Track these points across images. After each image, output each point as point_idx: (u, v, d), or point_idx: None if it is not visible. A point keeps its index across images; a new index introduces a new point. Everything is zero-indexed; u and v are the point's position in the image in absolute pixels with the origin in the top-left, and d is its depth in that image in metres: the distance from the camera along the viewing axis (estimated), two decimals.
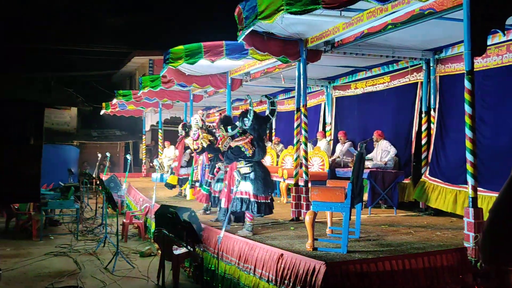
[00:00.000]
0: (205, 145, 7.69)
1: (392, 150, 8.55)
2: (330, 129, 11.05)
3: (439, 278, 4.30)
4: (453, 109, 7.51)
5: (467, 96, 4.86)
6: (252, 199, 5.79)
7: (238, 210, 5.88)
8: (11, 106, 3.73)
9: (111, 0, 30.23)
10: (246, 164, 5.92)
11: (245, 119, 5.92)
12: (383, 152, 8.64)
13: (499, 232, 1.05)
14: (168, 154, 14.60)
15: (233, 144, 5.99)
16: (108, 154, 13.76)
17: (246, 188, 5.85)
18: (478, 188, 5.01)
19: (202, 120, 7.99)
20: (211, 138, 8.06)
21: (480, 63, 7.01)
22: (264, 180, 5.87)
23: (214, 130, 8.11)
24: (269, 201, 5.94)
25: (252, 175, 5.85)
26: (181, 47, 8.53)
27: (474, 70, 4.88)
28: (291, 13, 5.29)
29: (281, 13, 5.33)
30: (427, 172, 7.86)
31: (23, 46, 26.33)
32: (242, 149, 5.86)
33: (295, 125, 7.32)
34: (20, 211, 9.45)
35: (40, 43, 27.13)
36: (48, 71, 25.37)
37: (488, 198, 6.19)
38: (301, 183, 7.18)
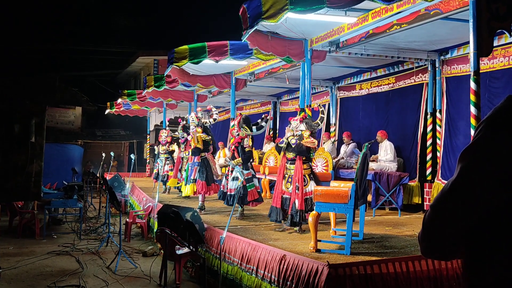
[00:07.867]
0: (200, 146, 7.85)
1: (390, 154, 8.43)
2: (335, 130, 11.00)
3: (443, 282, 4.25)
4: (462, 110, 7.44)
5: (472, 97, 4.79)
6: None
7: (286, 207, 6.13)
8: (13, 105, 3.72)
9: (120, 2, 30.39)
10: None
11: (314, 124, 6.38)
12: (385, 153, 8.56)
13: (438, 229, 1.14)
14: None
15: (309, 144, 6.16)
16: (112, 153, 13.76)
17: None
18: None
19: (197, 117, 8.08)
20: (207, 137, 8.09)
21: (487, 65, 6.94)
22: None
23: (209, 127, 8.21)
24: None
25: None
26: (185, 47, 8.52)
27: (481, 71, 4.82)
28: (296, 12, 5.26)
29: (285, 12, 5.29)
30: (439, 175, 7.79)
31: (29, 46, 26.46)
32: (312, 150, 6.27)
33: None
34: (24, 210, 9.46)
35: (46, 43, 27.28)
36: (53, 70, 25.47)
37: None
38: None
